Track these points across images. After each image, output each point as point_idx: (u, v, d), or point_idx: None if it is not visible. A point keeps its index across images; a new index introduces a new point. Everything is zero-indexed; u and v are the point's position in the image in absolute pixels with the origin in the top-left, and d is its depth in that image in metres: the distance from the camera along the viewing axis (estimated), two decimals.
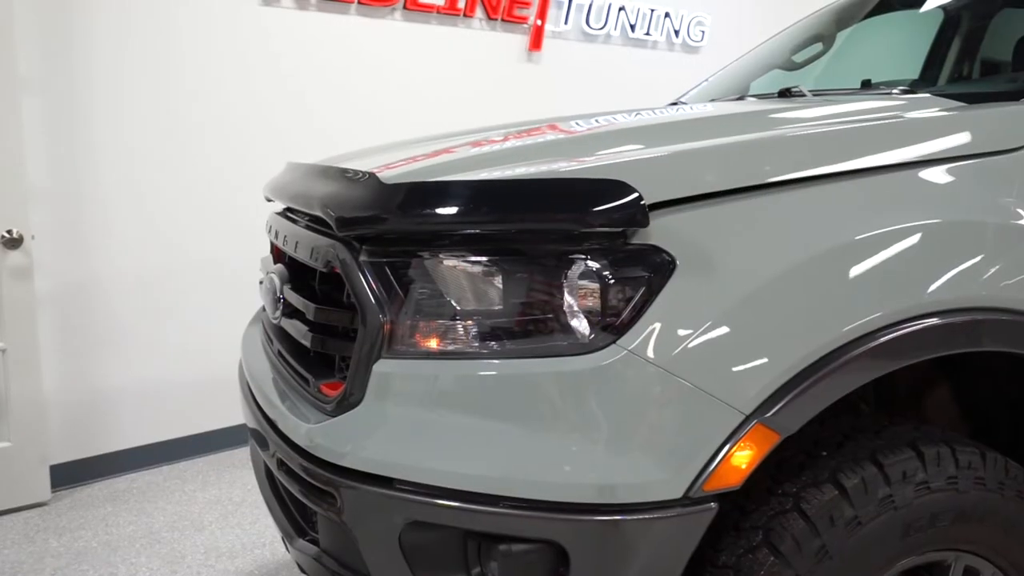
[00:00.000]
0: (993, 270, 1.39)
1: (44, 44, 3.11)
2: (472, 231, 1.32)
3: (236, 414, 3.86)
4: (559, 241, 1.28)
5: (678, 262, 1.24)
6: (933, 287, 1.33)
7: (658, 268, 1.24)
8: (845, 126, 1.53)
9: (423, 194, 1.37)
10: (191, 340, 3.68)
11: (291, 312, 1.70)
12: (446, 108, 4.30)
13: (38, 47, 3.11)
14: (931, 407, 1.72)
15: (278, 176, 2.03)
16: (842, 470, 1.34)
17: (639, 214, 1.23)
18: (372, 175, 1.45)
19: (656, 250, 1.25)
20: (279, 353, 1.80)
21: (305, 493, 1.45)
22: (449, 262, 1.33)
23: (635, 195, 1.23)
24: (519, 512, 1.24)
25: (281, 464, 1.53)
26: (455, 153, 1.80)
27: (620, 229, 1.24)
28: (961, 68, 2.71)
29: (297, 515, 1.74)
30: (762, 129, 1.59)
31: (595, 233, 1.26)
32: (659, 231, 1.25)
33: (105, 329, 3.39)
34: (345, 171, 1.60)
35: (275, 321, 1.77)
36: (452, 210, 1.32)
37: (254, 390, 1.82)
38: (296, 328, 1.63)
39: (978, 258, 1.38)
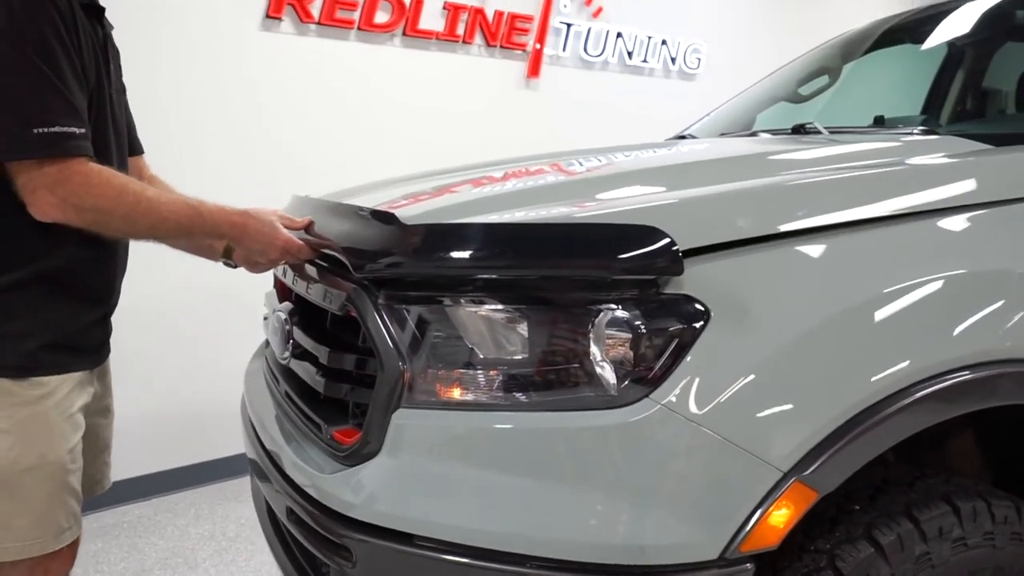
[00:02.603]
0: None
1: None
2: (495, 275, 1.28)
3: (228, 445, 3.81)
4: (588, 289, 1.23)
5: (712, 313, 1.20)
6: (968, 339, 1.29)
7: (692, 319, 1.20)
8: (874, 171, 1.50)
9: (445, 236, 1.33)
10: (183, 369, 3.61)
11: (301, 353, 1.65)
12: (445, 133, 4.27)
13: None
14: (955, 455, 1.68)
15: (284, 209, 1.98)
16: (877, 526, 1.29)
17: (672, 262, 1.19)
18: (391, 214, 1.41)
19: (689, 300, 1.20)
20: (286, 394, 1.74)
21: (316, 545, 1.39)
22: (472, 308, 1.28)
23: (667, 241, 1.19)
24: (544, 572, 1.18)
25: (291, 513, 1.48)
26: (466, 192, 1.76)
27: (652, 277, 1.20)
28: (976, 105, 2.70)
29: (304, 562, 1.68)
30: (789, 171, 1.56)
31: (626, 281, 1.22)
32: (692, 280, 1.21)
33: None
34: (360, 209, 1.56)
35: (283, 362, 1.72)
36: (475, 253, 1.29)
37: (259, 432, 1.76)
38: (307, 371, 1.58)
39: (1011, 309, 1.35)
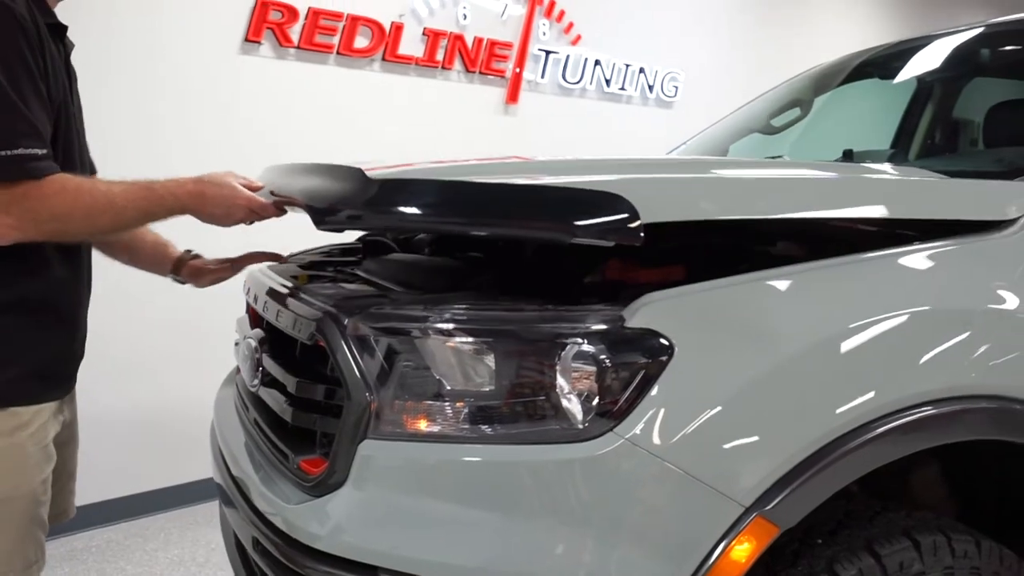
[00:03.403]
0: (985, 356, 1.38)
1: None
2: (456, 229, 1.31)
3: (199, 469, 3.76)
4: (554, 321, 1.24)
5: (676, 348, 1.21)
6: (928, 375, 1.32)
7: (656, 353, 1.21)
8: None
9: (407, 190, 1.32)
10: (151, 393, 3.58)
11: (270, 381, 1.64)
12: (424, 158, 4.27)
13: None
14: (919, 487, 1.70)
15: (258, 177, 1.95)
16: (838, 560, 1.31)
17: (631, 229, 1.20)
18: (355, 168, 1.38)
19: (654, 334, 1.21)
20: (255, 422, 1.73)
21: None
22: (440, 338, 1.29)
23: (628, 207, 1.20)
24: None
25: (256, 544, 1.47)
26: (437, 166, 1.76)
27: (611, 243, 1.22)
28: (946, 140, 2.75)
29: None
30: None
31: (591, 313, 1.23)
32: (656, 315, 1.23)
33: None
34: (324, 165, 1.53)
35: (253, 389, 1.72)
36: (437, 207, 1.29)
37: (227, 459, 1.75)
38: (275, 399, 1.58)
39: (972, 344, 1.37)
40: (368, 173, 1.35)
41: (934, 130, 2.91)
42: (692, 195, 1.34)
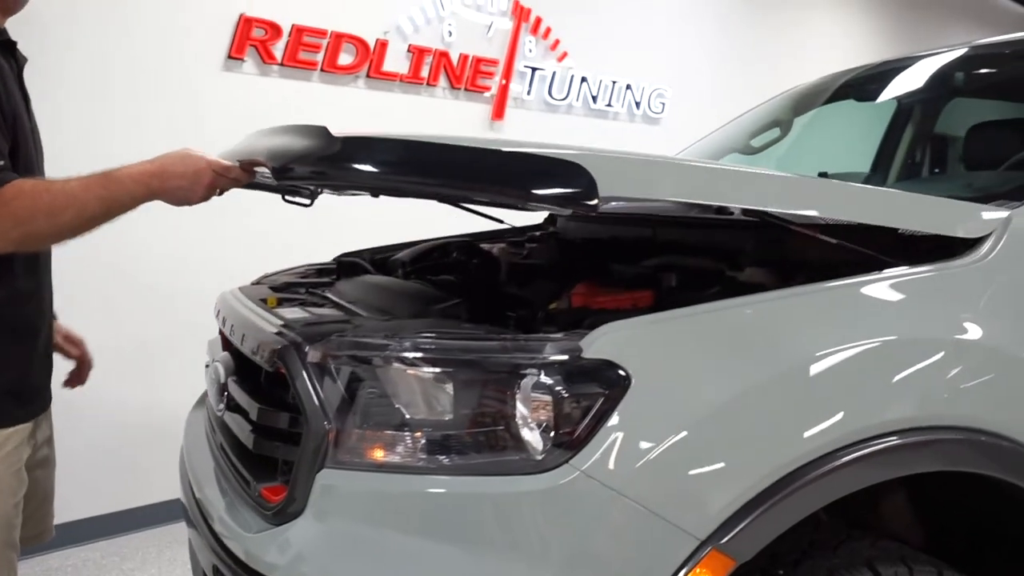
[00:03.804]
0: (952, 387, 1.38)
1: None
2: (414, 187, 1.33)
3: (175, 488, 3.72)
4: (512, 351, 1.24)
5: (633, 379, 1.20)
6: (892, 405, 1.31)
7: (612, 384, 1.20)
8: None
9: (370, 147, 1.31)
10: (129, 410, 3.55)
11: (235, 406, 1.64)
12: None
13: None
14: (888, 514, 1.69)
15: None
16: None
17: (589, 197, 1.18)
18: (319, 126, 1.36)
19: (611, 366, 1.21)
20: (221, 446, 1.72)
21: None
22: (399, 367, 1.28)
23: (586, 176, 1.19)
24: None
25: (216, 571, 1.46)
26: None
27: (567, 210, 1.23)
28: (923, 160, 2.75)
29: None
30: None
31: (550, 343, 1.23)
32: (614, 345, 1.22)
33: None
34: (295, 126, 1.49)
35: (219, 414, 1.71)
36: (399, 164, 1.28)
37: (192, 482, 1.74)
38: (239, 425, 1.57)
39: (938, 375, 1.37)
40: (332, 132, 1.33)
41: (912, 153, 2.92)
42: (651, 174, 1.32)
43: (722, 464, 1.20)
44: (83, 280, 3.32)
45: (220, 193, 1.69)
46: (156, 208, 1.68)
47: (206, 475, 1.72)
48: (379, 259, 2.46)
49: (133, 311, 3.51)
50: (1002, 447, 1.39)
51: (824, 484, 1.23)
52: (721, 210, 2.02)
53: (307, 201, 1.99)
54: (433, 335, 1.30)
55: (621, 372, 1.21)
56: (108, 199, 1.57)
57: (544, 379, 1.21)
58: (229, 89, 3.68)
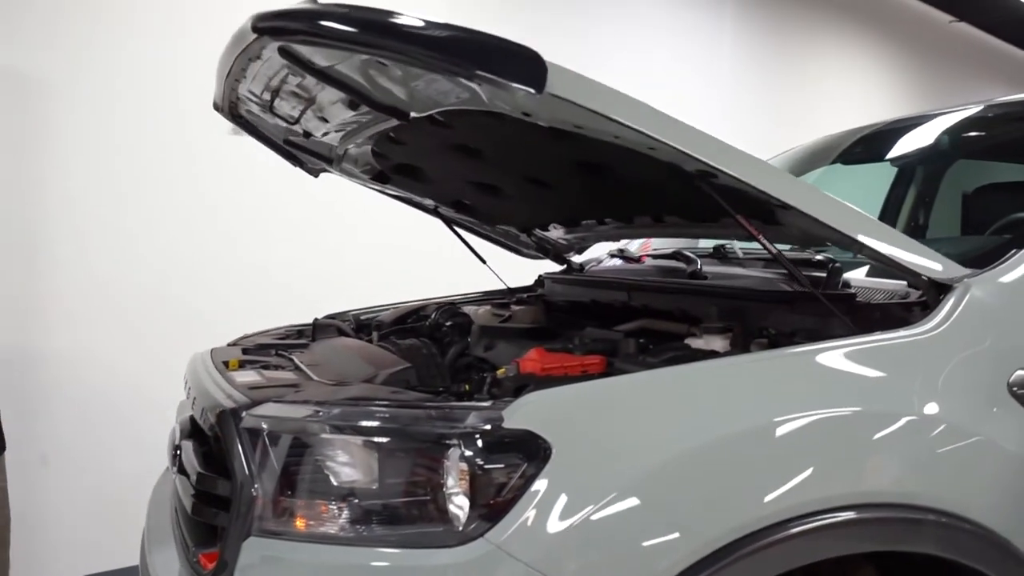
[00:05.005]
0: (908, 464, 1.34)
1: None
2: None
3: None
4: (436, 420, 1.23)
5: (554, 449, 1.18)
6: (829, 480, 1.27)
7: (533, 455, 1.18)
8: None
9: (345, 10, 1.30)
10: (117, 470, 3.53)
11: (182, 469, 1.64)
12: (421, 247, 4.29)
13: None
14: None
15: None
16: None
17: (536, 75, 1.20)
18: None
19: (531, 436, 1.19)
20: (175, 509, 1.72)
21: None
22: (327, 436, 1.28)
23: (541, 65, 1.20)
24: None
25: None
26: None
27: (511, 83, 1.21)
28: (928, 222, 2.71)
29: None
30: None
31: (473, 413, 1.22)
32: (535, 415, 1.20)
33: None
34: None
35: (172, 475, 1.71)
36: (367, 27, 1.28)
37: (146, 546, 1.74)
38: (184, 488, 1.57)
39: (891, 450, 1.33)
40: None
41: (916, 213, 2.87)
42: (600, 92, 1.32)
43: (642, 541, 1.16)
44: (74, 332, 3.38)
45: None
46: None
47: (163, 538, 1.71)
48: (364, 320, 2.48)
49: (116, 365, 3.55)
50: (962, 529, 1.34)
51: (749, 565, 1.18)
52: (694, 275, 2.02)
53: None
54: (363, 403, 1.30)
55: (542, 442, 1.18)
56: None
57: (464, 449, 1.20)
58: (233, 153, 3.74)
